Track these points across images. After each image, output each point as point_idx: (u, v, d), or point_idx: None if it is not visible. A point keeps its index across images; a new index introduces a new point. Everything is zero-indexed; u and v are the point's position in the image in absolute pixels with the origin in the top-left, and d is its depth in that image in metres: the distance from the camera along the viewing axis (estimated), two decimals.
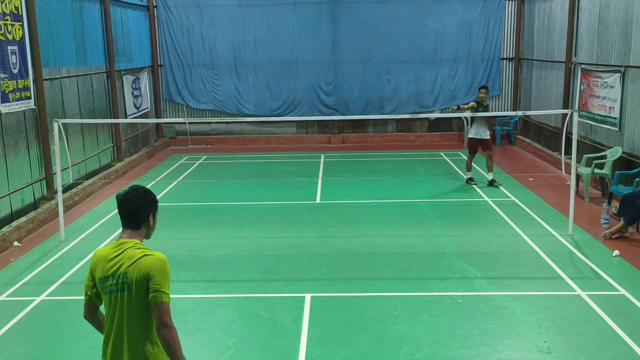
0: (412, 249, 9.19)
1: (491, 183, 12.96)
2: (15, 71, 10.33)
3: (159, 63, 19.00)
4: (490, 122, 18.66)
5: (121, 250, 3.60)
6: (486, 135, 12.93)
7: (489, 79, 19.01)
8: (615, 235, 9.43)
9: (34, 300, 7.52)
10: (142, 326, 3.59)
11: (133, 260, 3.53)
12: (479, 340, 6.30)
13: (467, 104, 13.12)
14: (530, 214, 10.89)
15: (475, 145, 13.10)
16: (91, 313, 3.80)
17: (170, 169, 15.50)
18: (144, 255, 3.55)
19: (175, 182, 13.97)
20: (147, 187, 3.84)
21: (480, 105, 12.85)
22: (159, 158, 17.30)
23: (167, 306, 3.51)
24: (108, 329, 3.65)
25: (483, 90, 12.97)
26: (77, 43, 13.20)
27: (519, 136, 18.53)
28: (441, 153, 17.20)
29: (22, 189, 10.53)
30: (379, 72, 18.90)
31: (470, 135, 13.15)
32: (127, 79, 16.18)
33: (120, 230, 3.75)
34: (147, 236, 3.81)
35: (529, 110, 17.68)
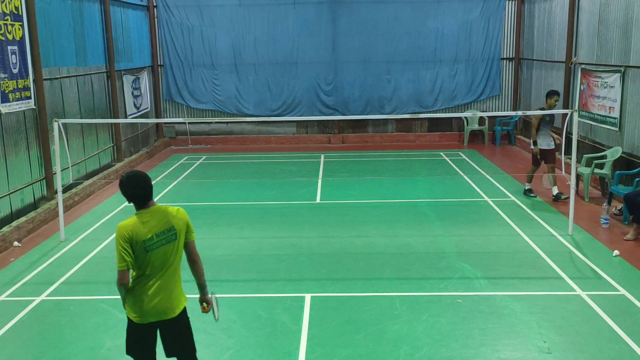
0: (412, 249, 9.19)
1: (557, 197, 11.64)
2: (15, 71, 10.33)
3: (159, 63, 19.00)
4: (489, 122, 18.77)
5: (156, 213, 4.46)
6: (552, 144, 11.74)
7: (489, 79, 19.01)
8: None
9: (34, 300, 7.51)
10: (178, 267, 4.60)
11: (174, 215, 4.52)
12: (479, 340, 6.30)
13: (534, 128, 11.45)
14: (530, 214, 10.90)
15: (542, 156, 11.79)
16: (127, 278, 4.38)
17: (170, 169, 15.49)
18: (177, 209, 4.59)
19: (175, 182, 13.95)
20: None
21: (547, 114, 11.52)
22: (159, 158, 17.30)
23: None
24: (152, 281, 4.42)
25: (555, 97, 11.63)
26: (77, 43, 13.20)
27: (519, 136, 18.52)
28: (441, 153, 17.19)
29: (22, 189, 10.53)
30: (379, 72, 18.89)
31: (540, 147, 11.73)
32: (127, 79, 16.18)
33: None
34: None
35: (529, 110, 17.66)
